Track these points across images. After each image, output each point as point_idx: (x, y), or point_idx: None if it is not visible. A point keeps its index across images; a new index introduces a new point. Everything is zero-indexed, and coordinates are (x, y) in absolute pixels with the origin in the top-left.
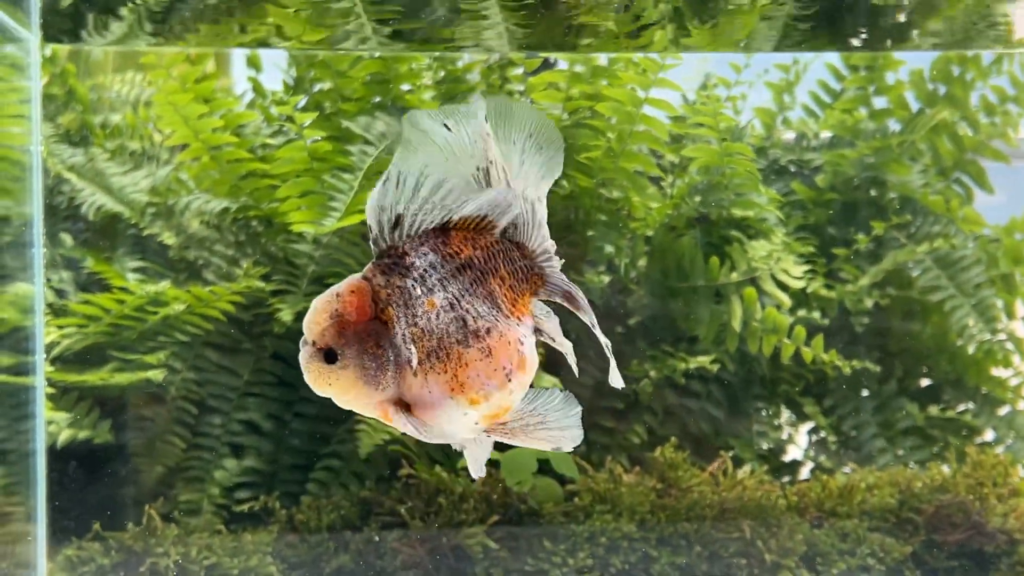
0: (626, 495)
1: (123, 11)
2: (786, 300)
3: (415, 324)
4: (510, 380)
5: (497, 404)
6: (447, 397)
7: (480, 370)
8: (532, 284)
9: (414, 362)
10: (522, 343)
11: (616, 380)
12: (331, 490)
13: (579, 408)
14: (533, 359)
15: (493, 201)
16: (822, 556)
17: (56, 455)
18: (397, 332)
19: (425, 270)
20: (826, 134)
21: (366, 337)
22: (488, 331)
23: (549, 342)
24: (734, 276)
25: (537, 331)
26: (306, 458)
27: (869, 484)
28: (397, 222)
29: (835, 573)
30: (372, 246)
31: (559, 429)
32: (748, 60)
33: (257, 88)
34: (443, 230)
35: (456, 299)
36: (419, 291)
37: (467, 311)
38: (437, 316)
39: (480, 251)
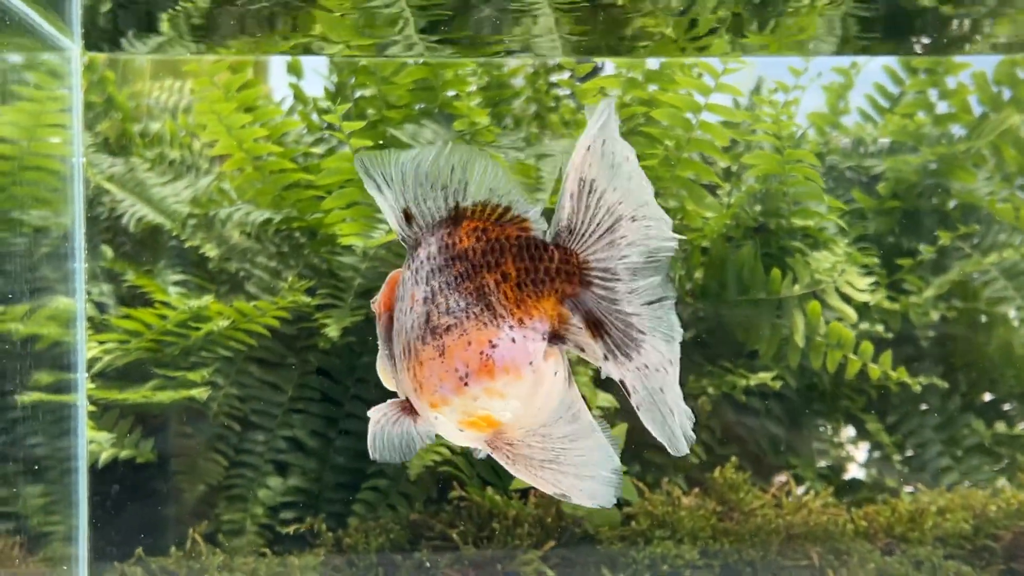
0: (686, 519)
1: (164, 19)
2: (852, 315)
3: (398, 319)
4: (467, 384)
5: (464, 411)
6: (416, 398)
7: (433, 370)
8: (559, 290)
9: (397, 359)
10: (494, 345)
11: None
12: (378, 511)
13: (617, 464)
14: (516, 365)
15: (491, 184)
16: None
17: (97, 475)
18: (394, 326)
19: (422, 262)
20: (884, 140)
21: (383, 330)
22: (448, 329)
23: (577, 352)
24: (796, 289)
25: (557, 337)
26: (352, 477)
27: (940, 508)
28: (407, 216)
29: None
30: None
31: (575, 477)
32: (807, 64)
33: (299, 95)
34: (456, 219)
35: (433, 293)
36: (410, 284)
37: (436, 306)
38: (412, 310)
39: (483, 243)
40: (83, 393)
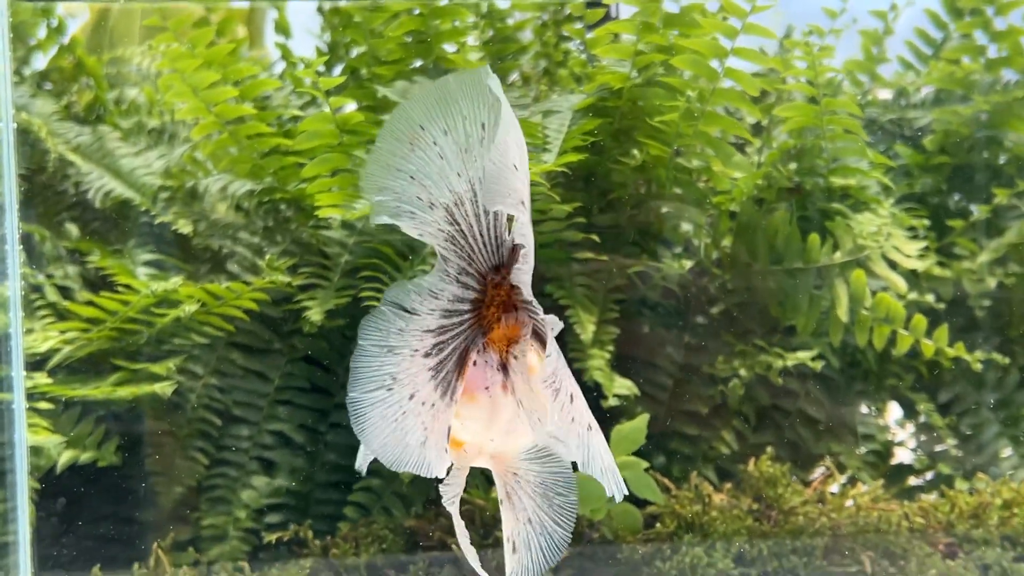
0: (718, 520)
1: None
2: (902, 285)
3: None
4: None
5: None
6: None
7: None
8: (501, 318)
9: None
10: None
11: None
12: (372, 515)
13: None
14: (470, 387)
15: None
16: None
17: (55, 481)
18: None
19: None
20: (928, 88)
21: None
22: None
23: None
24: (837, 256)
25: (504, 368)
26: (344, 475)
27: (1006, 501)
28: None
29: None
30: None
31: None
32: (844, 4)
33: (286, 54)
34: None
35: None
36: None
37: None
38: None
39: None
40: (20, 389)
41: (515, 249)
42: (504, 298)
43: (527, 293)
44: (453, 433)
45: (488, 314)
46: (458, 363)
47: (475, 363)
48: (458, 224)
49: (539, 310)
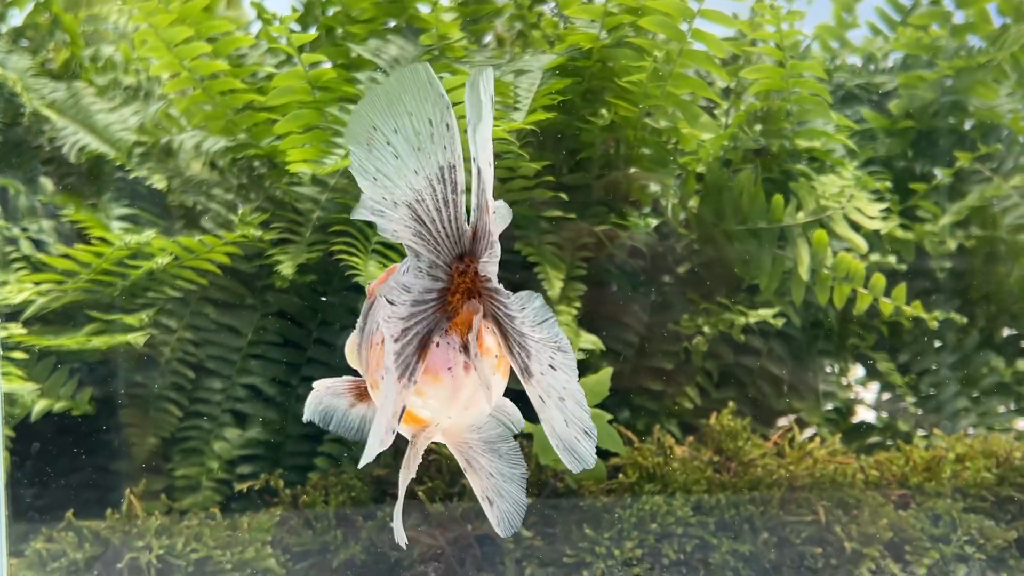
0: (679, 471)
1: None
2: (862, 245)
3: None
4: None
5: None
6: (365, 376)
7: (376, 354)
8: (462, 303)
9: (364, 335)
10: None
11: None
12: (341, 464)
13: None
14: (434, 368)
15: None
16: (911, 543)
17: (29, 430)
18: (375, 303)
19: None
20: (896, 54)
21: (365, 308)
22: None
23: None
24: (800, 217)
25: (466, 350)
26: (315, 428)
27: (959, 455)
28: None
29: (927, 564)
30: None
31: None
32: None
33: (261, 12)
34: None
35: None
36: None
37: None
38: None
39: None
40: None
41: (475, 235)
42: (468, 284)
43: (494, 280)
44: (415, 411)
45: (453, 300)
46: (419, 346)
47: (438, 345)
48: (422, 220)
49: (506, 295)
